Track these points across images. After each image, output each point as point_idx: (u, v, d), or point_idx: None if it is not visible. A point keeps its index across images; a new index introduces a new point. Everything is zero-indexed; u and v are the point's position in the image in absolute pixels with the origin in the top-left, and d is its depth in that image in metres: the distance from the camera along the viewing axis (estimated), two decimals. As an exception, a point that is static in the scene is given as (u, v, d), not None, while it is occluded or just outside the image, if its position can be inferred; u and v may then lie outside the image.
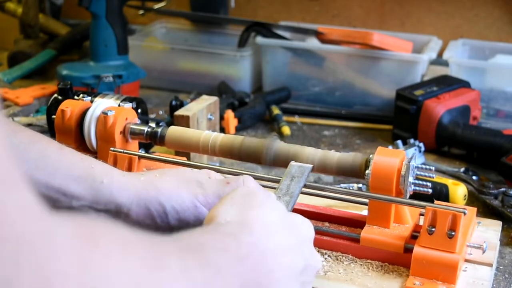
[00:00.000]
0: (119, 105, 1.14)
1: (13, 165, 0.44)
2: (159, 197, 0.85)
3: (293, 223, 0.75)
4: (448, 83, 1.55)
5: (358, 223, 1.02)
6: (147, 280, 0.53)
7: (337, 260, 0.96)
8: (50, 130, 1.20)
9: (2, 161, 0.43)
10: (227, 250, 0.65)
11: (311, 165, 0.97)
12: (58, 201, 0.83)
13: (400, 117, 1.53)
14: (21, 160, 0.80)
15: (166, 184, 0.86)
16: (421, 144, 1.44)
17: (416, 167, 0.95)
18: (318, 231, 1.00)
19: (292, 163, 0.98)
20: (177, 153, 1.26)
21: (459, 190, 1.21)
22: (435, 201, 0.92)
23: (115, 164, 1.04)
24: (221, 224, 0.70)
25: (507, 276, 1.04)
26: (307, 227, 0.77)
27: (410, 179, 0.94)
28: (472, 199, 1.26)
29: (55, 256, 0.45)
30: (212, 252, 0.63)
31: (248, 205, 0.73)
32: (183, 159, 1.12)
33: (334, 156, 1.00)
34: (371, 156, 0.96)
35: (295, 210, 1.05)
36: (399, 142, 1.44)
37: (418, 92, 1.51)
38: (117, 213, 0.83)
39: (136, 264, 0.54)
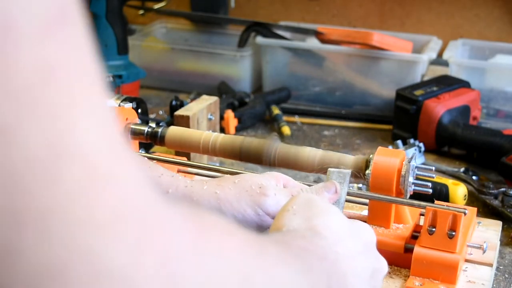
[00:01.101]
0: (119, 105, 1.14)
1: (125, 141, 0.44)
2: (220, 207, 0.85)
3: (357, 228, 0.76)
4: (448, 83, 1.55)
5: (358, 223, 1.02)
6: (254, 262, 0.54)
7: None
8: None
9: (117, 136, 0.43)
10: (309, 249, 0.65)
11: (350, 170, 0.95)
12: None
13: (400, 117, 1.52)
14: None
15: (227, 194, 0.86)
16: (421, 144, 1.44)
17: (416, 167, 0.95)
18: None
19: (331, 169, 0.95)
20: (177, 153, 1.26)
21: (459, 190, 1.21)
22: (435, 201, 0.92)
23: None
24: (290, 231, 0.70)
25: (507, 276, 1.04)
26: (369, 232, 0.77)
27: (410, 179, 0.94)
28: (472, 199, 1.26)
29: (174, 235, 0.45)
30: (298, 249, 0.64)
31: (311, 213, 0.73)
32: (183, 159, 1.12)
33: (334, 156, 1.00)
34: (371, 156, 0.97)
35: None
36: (399, 142, 1.44)
37: (418, 92, 1.51)
38: None
39: (244, 246, 0.54)
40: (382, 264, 0.77)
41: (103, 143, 0.41)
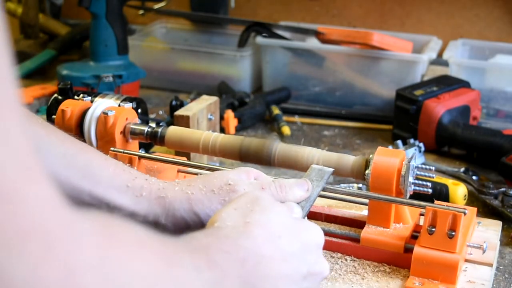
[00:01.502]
0: (119, 105, 1.14)
1: (36, 160, 0.46)
2: (193, 207, 0.85)
3: (298, 228, 0.75)
4: (448, 83, 1.55)
5: (358, 223, 1.02)
6: (164, 274, 0.55)
7: (337, 260, 0.96)
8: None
9: (25, 156, 0.45)
10: (229, 252, 0.65)
11: (332, 169, 0.95)
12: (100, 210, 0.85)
13: (400, 117, 1.52)
14: (68, 168, 0.84)
15: (198, 193, 0.86)
16: (421, 144, 1.44)
17: (416, 167, 0.95)
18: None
19: (313, 166, 0.96)
20: (177, 153, 1.26)
21: (459, 190, 1.21)
22: (435, 201, 0.92)
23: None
24: (221, 228, 0.71)
25: (507, 276, 1.04)
26: (314, 233, 0.77)
27: (410, 179, 0.94)
28: (472, 199, 1.26)
29: (78, 249, 0.46)
30: (217, 253, 0.64)
31: (252, 210, 0.73)
32: (183, 159, 1.12)
33: (334, 156, 1.00)
34: (371, 156, 0.96)
35: None
36: (399, 142, 1.44)
37: (418, 92, 1.51)
38: (155, 224, 0.84)
39: (153, 259, 0.55)
40: (322, 268, 0.77)
41: (7, 162, 0.43)
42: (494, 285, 1.00)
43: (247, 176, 0.88)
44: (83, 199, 0.84)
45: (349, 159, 0.99)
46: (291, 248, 0.72)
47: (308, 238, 0.75)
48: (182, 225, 0.84)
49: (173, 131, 1.10)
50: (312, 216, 1.05)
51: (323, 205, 1.08)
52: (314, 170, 0.94)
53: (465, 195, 1.22)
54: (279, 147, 1.03)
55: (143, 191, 0.86)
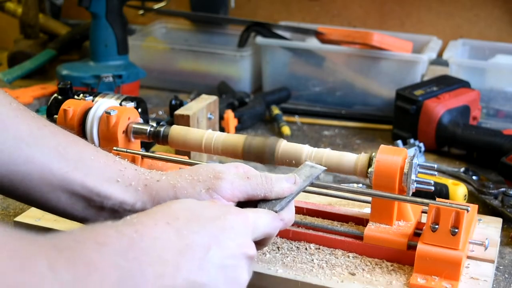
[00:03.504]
0: (120, 105, 1.15)
1: None
2: (177, 195, 0.86)
3: (218, 223, 0.75)
4: (448, 83, 1.56)
5: (360, 221, 1.02)
6: (12, 281, 0.54)
7: (340, 258, 0.96)
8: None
9: None
10: (105, 243, 0.65)
11: (324, 168, 0.95)
12: (91, 201, 0.87)
13: (400, 117, 1.53)
14: (60, 160, 0.85)
15: (183, 182, 0.87)
16: (421, 144, 1.44)
17: (418, 165, 0.95)
18: (321, 229, 1.01)
19: (306, 162, 0.96)
20: (177, 152, 1.26)
21: (459, 190, 1.21)
22: (438, 199, 0.93)
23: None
24: (122, 221, 0.72)
25: (507, 276, 1.04)
26: (236, 241, 0.76)
27: (413, 177, 0.94)
28: (472, 199, 1.27)
29: None
30: (88, 247, 0.64)
31: (167, 211, 0.75)
32: (185, 158, 1.12)
33: (337, 154, 1.00)
34: (373, 154, 0.97)
35: (301, 209, 1.06)
36: (399, 142, 1.44)
37: (418, 92, 1.51)
38: (142, 210, 0.85)
39: (2, 265, 0.54)
40: (239, 274, 0.75)
41: None
42: (494, 285, 1.01)
43: (235, 169, 0.89)
44: (75, 189, 0.86)
45: (352, 157, 0.99)
46: (185, 241, 0.71)
47: (226, 245, 0.74)
48: None
49: (176, 130, 1.10)
50: (315, 214, 1.06)
51: (325, 203, 1.08)
52: (306, 166, 0.95)
53: (465, 195, 1.22)
54: (282, 146, 1.03)
55: (132, 180, 0.88)
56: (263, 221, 0.82)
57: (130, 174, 0.89)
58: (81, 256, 0.62)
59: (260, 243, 0.84)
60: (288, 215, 0.88)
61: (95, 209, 0.87)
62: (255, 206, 0.87)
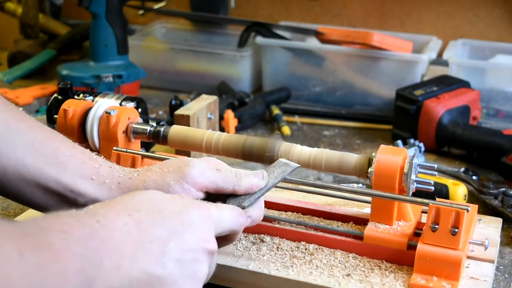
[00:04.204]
0: (120, 105, 1.15)
1: None
2: (147, 188, 0.86)
3: (179, 228, 0.75)
4: (448, 83, 1.56)
5: (360, 221, 1.02)
6: None
7: (340, 258, 0.96)
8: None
9: None
10: (68, 232, 0.65)
11: (297, 165, 0.95)
12: (65, 197, 0.87)
13: (400, 117, 1.53)
14: (35, 155, 0.85)
15: (153, 175, 0.87)
16: (421, 144, 1.45)
17: (418, 165, 0.95)
18: (321, 229, 1.01)
19: (280, 159, 0.96)
20: (177, 152, 1.26)
21: (459, 190, 1.21)
22: (438, 199, 0.93)
23: (118, 163, 1.04)
24: (85, 210, 0.72)
25: (507, 276, 1.04)
26: (195, 234, 0.76)
27: (413, 177, 0.94)
28: (472, 199, 1.27)
29: None
30: (52, 234, 0.64)
31: (138, 209, 0.74)
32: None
33: (337, 154, 1.00)
34: (373, 154, 0.97)
35: (301, 209, 1.06)
36: (399, 142, 1.44)
37: (418, 92, 1.51)
38: None
39: None
40: (198, 268, 0.75)
41: None
42: (494, 285, 1.01)
43: (206, 162, 0.89)
44: (49, 185, 0.86)
45: (352, 158, 0.99)
46: (154, 223, 0.72)
47: (185, 239, 0.75)
48: None
49: (176, 130, 1.10)
50: (315, 213, 1.06)
51: (325, 203, 1.08)
52: (279, 163, 0.95)
53: (465, 195, 1.22)
54: (282, 146, 1.03)
55: (106, 178, 0.88)
56: (227, 217, 0.82)
57: (104, 172, 0.89)
58: (45, 243, 0.63)
59: (225, 239, 0.84)
60: (257, 212, 0.88)
61: (69, 205, 0.86)
62: (225, 201, 0.87)
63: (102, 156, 0.94)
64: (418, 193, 0.97)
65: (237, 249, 0.99)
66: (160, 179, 0.87)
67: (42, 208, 0.88)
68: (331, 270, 0.93)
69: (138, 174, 0.89)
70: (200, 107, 1.31)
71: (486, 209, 1.23)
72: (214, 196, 0.88)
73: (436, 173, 0.97)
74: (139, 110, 1.28)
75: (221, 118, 1.52)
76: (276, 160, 0.97)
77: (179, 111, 1.29)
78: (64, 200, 0.87)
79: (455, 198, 1.20)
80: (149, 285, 0.70)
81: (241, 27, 1.87)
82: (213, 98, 1.37)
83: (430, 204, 0.90)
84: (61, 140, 0.90)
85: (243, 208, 0.86)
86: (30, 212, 1.09)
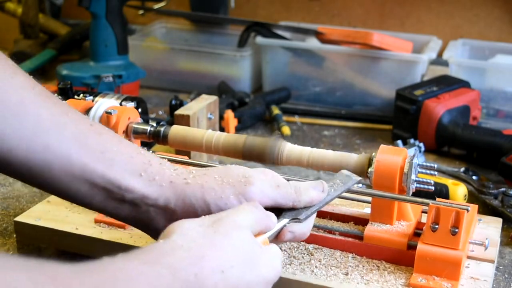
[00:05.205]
0: (120, 105, 1.15)
1: None
2: (204, 196, 0.84)
3: (256, 260, 0.75)
4: (448, 83, 1.56)
5: (360, 221, 1.02)
6: None
7: (340, 257, 0.96)
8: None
9: None
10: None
11: (359, 178, 0.92)
12: (111, 192, 0.84)
13: (400, 117, 1.53)
14: (81, 150, 0.82)
15: (211, 182, 0.85)
16: (421, 144, 1.45)
17: (418, 164, 0.96)
18: (321, 229, 1.01)
19: (342, 171, 0.93)
20: (177, 152, 1.26)
21: (459, 190, 1.21)
22: (438, 198, 0.93)
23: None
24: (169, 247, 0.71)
25: (507, 276, 1.04)
26: (270, 269, 0.76)
27: (413, 177, 0.94)
28: (472, 199, 1.27)
29: None
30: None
31: (214, 231, 0.74)
32: (186, 158, 1.12)
33: (337, 154, 1.00)
34: (373, 154, 0.97)
35: None
36: (399, 142, 1.44)
37: (418, 92, 1.51)
38: (165, 208, 0.84)
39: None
40: None
41: None
42: (494, 285, 1.01)
43: (264, 176, 0.87)
44: (95, 181, 0.83)
45: (352, 158, 0.99)
46: (238, 280, 0.72)
47: (261, 273, 0.75)
48: (191, 213, 0.83)
49: (176, 130, 1.10)
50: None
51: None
52: (341, 174, 0.92)
53: (465, 195, 1.22)
54: (282, 146, 1.03)
55: (156, 175, 0.85)
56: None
57: (154, 169, 0.85)
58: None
59: None
60: (302, 228, 0.86)
61: (115, 201, 0.84)
62: (280, 213, 0.85)
63: (151, 151, 0.92)
64: (418, 193, 0.97)
65: (237, 249, 0.98)
66: (219, 189, 0.84)
67: (87, 204, 0.85)
68: (331, 270, 0.93)
69: (194, 177, 0.86)
70: (200, 107, 1.32)
71: (486, 209, 1.23)
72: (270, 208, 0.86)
73: (436, 173, 0.97)
74: (139, 110, 1.28)
75: (221, 118, 1.52)
76: (279, 162, 0.96)
77: (179, 111, 1.29)
78: (111, 196, 0.84)
79: (455, 198, 1.20)
80: None
81: (241, 27, 1.87)
82: (213, 98, 1.37)
83: (430, 204, 0.90)
84: (107, 134, 0.87)
85: (299, 221, 0.85)
86: (31, 212, 1.09)
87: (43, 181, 0.83)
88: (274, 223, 0.82)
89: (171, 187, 0.84)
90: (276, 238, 0.83)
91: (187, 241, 0.72)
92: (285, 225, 0.84)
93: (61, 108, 0.85)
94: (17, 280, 0.56)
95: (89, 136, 0.84)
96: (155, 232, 0.84)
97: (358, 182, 0.91)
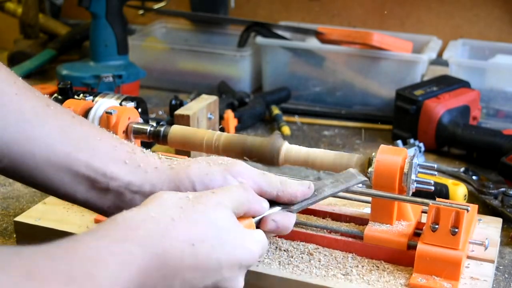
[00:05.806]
0: (120, 105, 1.15)
1: None
2: (189, 175, 0.84)
3: (234, 239, 0.75)
4: (448, 83, 1.56)
5: (360, 220, 1.02)
6: None
7: (340, 257, 0.96)
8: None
9: None
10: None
11: (364, 178, 0.92)
12: (95, 181, 0.84)
13: (400, 117, 1.53)
14: (64, 140, 0.83)
15: (197, 164, 0.86)
16: (421, 144, 1.45)
17: (418, 164, 0.95)
18: (321, 229, 1.01)
19: (350, 169, 0.93)
20: (177, 152, 1.26)
21: (459, 190, 1.21)
22: (437, 198, 0.93)
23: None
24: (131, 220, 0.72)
25: (507, 276, 1.04)
26: (248, 251, 0.77)
27: (413, 177, 0.94)
28: (472, 199, 1.27)
29: None
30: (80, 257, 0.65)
31: (193, 206, 0.75)
32: (185, 158, 1.12)
33: (337, 154, 1.00)
34: (373, 154, 0.97)
35: None
36: (399, 142, 1.45)
37: (418, 92, 1.51)
38: (150, 194, 0.83)
39: None
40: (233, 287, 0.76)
41: None
42: (494, 285, 1.01)
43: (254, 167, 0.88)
44: (79, 170, 0.83)
45: (352, 158, 0.99)
46: (208, 255, 0.73)
47: (234, 253, 0.75)
48: None
49: (176, 130, 1.10)
50: (314, 213, 1.05)
51: (325, 203, 1.08)
52: (347, 172, 0.92)
53: (465, 195, 1.22)
54: (283, 146, 1.03)
55: (141, 162, 0.86)
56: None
57: (138, 156, 0.87)
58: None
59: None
60: (284, 219, 0.86)
61: (99, 191, 0.84)
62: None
63: (134, 142, 0.93)
64: (418, 193, 0.97)
65: (237, 249, 0.99)
66: (205, 168, 0.85)
67: (70, 196, 0.86)
68: (330, 270, 0.93)
69: (178, 163, 0.87)
70: (200, 107, 1.31)
71: (486, 209, 1.23)
72: None
73: (436, 173, 0.97)
74: (139, 110, 1.28)
75: (221, 118, 1.52)
76: (279, 162, 0.96)
77: (179, 111, 1.29)
78: (95, 185, 0.84)
79: (455, 198, 1.20)
80: None
81: (241, 27, 1.87)
82: (213, 98, 1.37)
83: (430, 204, 0.90)
84: (90, 126, 0.89)
85: (291, 212, 0.85)
86: (31, 212, 1.09)
87: (27, 174, 0.83)
88: (265, 209, 0.83)
89: (156, 173, 0.85)
90: (258, 226, 0.83)
91: (159, 213, 0.73)
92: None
93: (43, 101, 0.85)
94: None
95: (72, 126, 0.85)
96: None
97: (362, 183, 0.91)
